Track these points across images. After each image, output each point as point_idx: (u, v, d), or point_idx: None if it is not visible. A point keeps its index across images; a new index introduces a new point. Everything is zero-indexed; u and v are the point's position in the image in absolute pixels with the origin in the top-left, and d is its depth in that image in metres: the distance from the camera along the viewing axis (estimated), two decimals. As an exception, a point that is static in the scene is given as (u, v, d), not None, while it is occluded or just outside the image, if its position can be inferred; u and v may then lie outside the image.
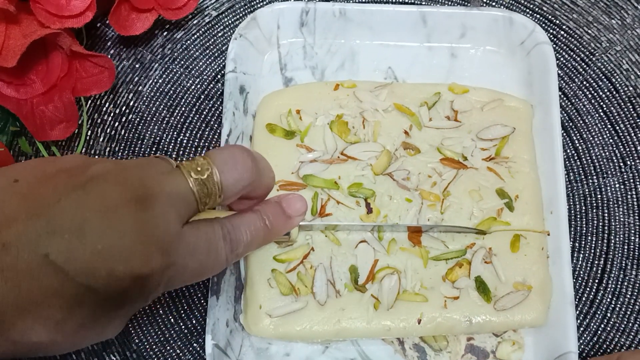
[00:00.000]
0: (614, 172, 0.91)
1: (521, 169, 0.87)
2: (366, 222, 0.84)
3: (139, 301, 0.59)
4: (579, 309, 0.85)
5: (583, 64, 0.97)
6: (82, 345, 0.60)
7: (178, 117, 0.94)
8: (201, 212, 0.64)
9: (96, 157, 0.89)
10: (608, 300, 0.86)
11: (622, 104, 0.95)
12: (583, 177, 0.91)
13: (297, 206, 0.72)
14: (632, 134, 0.93)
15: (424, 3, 1.00)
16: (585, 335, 0.84)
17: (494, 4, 1.00)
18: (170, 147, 0.92)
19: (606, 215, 0.90)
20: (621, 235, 0.89)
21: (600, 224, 0.89)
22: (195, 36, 0.98)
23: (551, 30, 0.98)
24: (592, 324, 0.85)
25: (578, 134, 0.93)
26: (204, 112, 0.94)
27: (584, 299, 0.86)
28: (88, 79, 0.87)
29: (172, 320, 0.85)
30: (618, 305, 0.86)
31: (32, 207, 0.54)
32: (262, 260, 0.82)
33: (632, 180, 0.91)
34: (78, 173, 0.57)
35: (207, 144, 0.92)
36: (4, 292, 0.52)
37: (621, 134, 0.93)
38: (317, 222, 0.84)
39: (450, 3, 1.00)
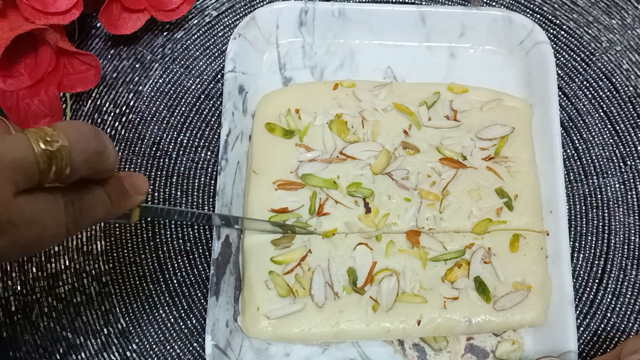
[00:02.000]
0: (614, 172, 0.90)
1: (520, 168, 0.86)
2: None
3: None
4: (579, 308, 0.84)
5: (583, 63, 0.96)
6: None
7: (178, 117, 0.93)
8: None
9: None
10: (608, 300, 0.85)
11: (622, 104, 0.94)
12: (583, 177, 0.90)
13: (139, 184, 0.67)
14: (632, 134, 0.92)
15: (423, 3, 0.99)
16: (585, 335, 0.84)
17: (494, 3, 0.99)
18: (170, 146, 0.91)
19: (606, 215, 0.89)
20: (621, 235, 0.88)
21: (601, 224, 0.88)
22: (196, 36, 0.98)
23: (551, 30, 0.97)
24: (592, 324, 0.84)
25: (578, 134, 0.92)
26: (204, 112, 0.93)
27: (584, 299, 0.85)
28: (74, 76, 0.87)
29: (172, 320, 0.84)
30: (618, 305, 0.85)
31: None
32: (259, 261, 0.82)
33: (632, 180, 0.90)
34: None
35: (207, 143, 0.91)
36: None
37: (621, 134, 0.92)
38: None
39: (449, 3, 0.99)
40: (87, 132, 0.58)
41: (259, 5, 0.98)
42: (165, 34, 0.98)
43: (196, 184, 0.89)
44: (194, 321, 0.84)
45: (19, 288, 0.85)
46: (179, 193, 0.88)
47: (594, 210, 0.89)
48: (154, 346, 0.83)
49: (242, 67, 0.90)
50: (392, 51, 0.95)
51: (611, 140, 0.92)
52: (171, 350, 0.83)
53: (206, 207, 0.88)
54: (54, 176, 0.56)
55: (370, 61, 0.94)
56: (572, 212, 0.89)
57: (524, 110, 0.90)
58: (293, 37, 0.94)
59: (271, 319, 0.79)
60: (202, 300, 0.85)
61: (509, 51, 0.94)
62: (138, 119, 0.93)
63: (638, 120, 0.93)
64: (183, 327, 0.84)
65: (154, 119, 0.93)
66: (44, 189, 0.57)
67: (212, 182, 0.89)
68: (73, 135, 0.56)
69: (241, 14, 0.99)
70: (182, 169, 0.90)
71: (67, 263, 0.86)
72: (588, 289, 0.86)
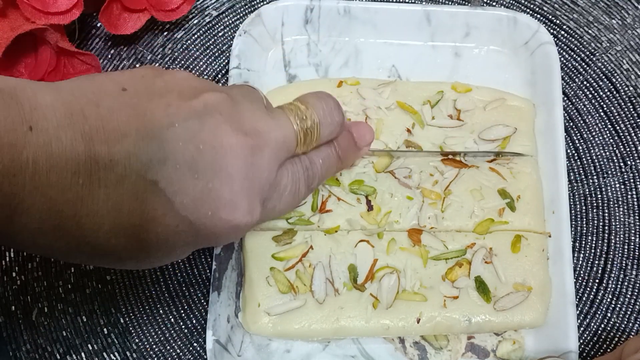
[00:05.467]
0: (614, 172, 0.89)
1: (523, 169, 0.85)
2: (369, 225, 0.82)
3: (227, 241, 0.62)
4: (579, 308, 0.83)
5: (583, 63, 0.95)
6: (149, 266, 0.60)
7: (179, 117, 0.90)
8: None
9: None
10: (608, 300, 0.84)
11: (623, 104, 0.93)
12: (583, 177, 0.89)
13: (367, 138, 0.73)
14: (633, 134, 0.91)
15: (424, 2, 0.97)
16: (585, 335, 0.83)
17: (494, 3, 0.98)
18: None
19: (606, 215, 0.87)
20: (621, 235, 0.87)
21: (601, 224, 0.87)
22: (196, 36, 0.96)
23: (551, 30, 0.96)
24: (592, 324, 0.83)
25: (578, 134, 0.91)
26: (205, 112, 0.91)
27: (584, 298, 0.84)
28: (75, 76, 0.85)
29: (172, 319, 0.83)
30: (618, 305, 0.84)
31: (144, 125, 0.51)
32: (260, 258, 0.80)
33: (632, 180, 0.89)
34: (191, 97, 0.54)
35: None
36: (104, 210, 0.50)
37: (621, 133, 0.91)
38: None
39: (452, 3, 0.97)
40: (332, 105, 0.65)
41: (259, 5, 0.97)
42: (165, 34, 0.96)
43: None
44: (194, 321, 0.82)
45: (19, 288, 0.83)
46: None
47: (594, 210, 0.88)
48: (154, 346, 0.82)
49: (247, 63, 0.88)
50: (397, 50, 0.93)
51: (611, 140, 0.91)
52: (171, 350, 0.81)
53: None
54: (304, 149, 0.63)
55: (375, 60, 0.93)
56: (573, 212, 0.87)
57: (527, 110, 0.88)
58: (298, 35, 0.93)
59: (272, 316, 0.78)
60: (202, 300, 0.83)
61: (513, 51, 0.92)
62: (139, 119, 0.91)
63: (638, 120, 0.92)
64: (183, 326, 0.82)
65: (155, 119, 0.91)
66: (289, 159, 0.63)
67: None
68: (322, 111, 0.64)
69: (241, 14, 0.97)
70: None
71: (67, 263, 0.84)
72: (588, 289, 0.84)
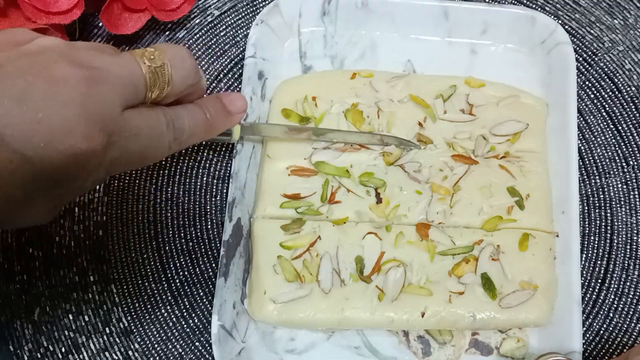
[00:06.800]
0: (616, 172, 0.89)
1: (533, 168, 0.84)
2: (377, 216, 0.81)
3: (77, 183, 0.56)
4: (581, 308, 0.81)
5: (585, 64, 0.94)
6: (8, 225, 0.59)
7: (180, 117, 0.89)
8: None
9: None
10: (611, 300, 0.83)
11: (625, 104, 0.92)
12: (586, 177, 0.88)
13: (237, 104, 0.73)
14: (635, 134, 0.90)
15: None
16: (588, 335, 0.82)
17: (503, 1, 0.96)
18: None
19: (609, 215, 0.87)
20: (624, 236, 0.86)
21: (603, 224, 0.87)
22: (198, 35, 0.95)
23: (553, 29, 0.94)
24: (594, 324, 0.82)
25: (580, 134, 0.90)
26: (205, 112, 0.90)
27: (586, 298, 0.83)
28: None
29: (174, 319, 0.82)
30: (621, 306, 0.83)
31: None
32: (268, 246, 0.79)
33: (634, 180, 0.88)
34: (26, 43, 0.55)
35: (209, 143, 0.88)
36: None
37: (624, 134, 0.91)
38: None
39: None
40: (184, 52, 0.64)
41: (260, 5, 0.96)
42: (167, 33, 0.95)
43: (198, 184, 0.87)
44: (196, 320, 0.81)
45: (21, 287, 0.82)
46: (181, 192, 0.86)
47: (597, 211, 0.87)
48: (156, 345, 0.81)
49: (262, 53, 0.87)
50: (413, 45, 0.92)
51: (613, 141, 0.90)
52: (173, 350, 0.80)
53: (208, 207, 0.86)
54: (156, 92, 0.60)
55: (391, 53, 0.92)
56: (575, 212, 0.86)
57: (539, 108, 0.87)
58: (315, 26, 0.92)
59: (277, 303, 0.77)
60: (205, 299, 0.82)
61: (530, 50, 0.91)
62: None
63: (640, 120, 0.92)
64: (185, 326, 0.81)
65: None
66: (147, 106, 0.61)
67: (215, 181, 0.87)
68: (172, 54, 0.62)
69: (243, 14, 0.96)
70: (184, 168, 0.87)
71: (69, 262, 0.83)
72: (591, 289, 0.84)
